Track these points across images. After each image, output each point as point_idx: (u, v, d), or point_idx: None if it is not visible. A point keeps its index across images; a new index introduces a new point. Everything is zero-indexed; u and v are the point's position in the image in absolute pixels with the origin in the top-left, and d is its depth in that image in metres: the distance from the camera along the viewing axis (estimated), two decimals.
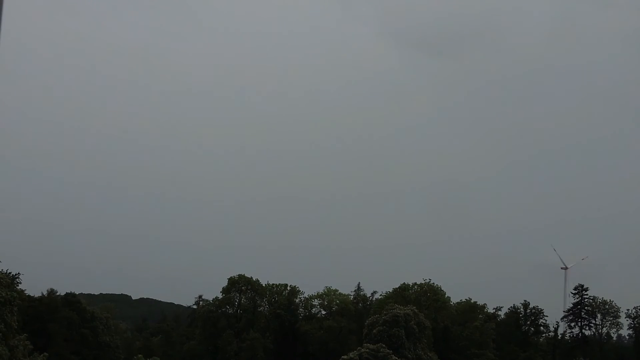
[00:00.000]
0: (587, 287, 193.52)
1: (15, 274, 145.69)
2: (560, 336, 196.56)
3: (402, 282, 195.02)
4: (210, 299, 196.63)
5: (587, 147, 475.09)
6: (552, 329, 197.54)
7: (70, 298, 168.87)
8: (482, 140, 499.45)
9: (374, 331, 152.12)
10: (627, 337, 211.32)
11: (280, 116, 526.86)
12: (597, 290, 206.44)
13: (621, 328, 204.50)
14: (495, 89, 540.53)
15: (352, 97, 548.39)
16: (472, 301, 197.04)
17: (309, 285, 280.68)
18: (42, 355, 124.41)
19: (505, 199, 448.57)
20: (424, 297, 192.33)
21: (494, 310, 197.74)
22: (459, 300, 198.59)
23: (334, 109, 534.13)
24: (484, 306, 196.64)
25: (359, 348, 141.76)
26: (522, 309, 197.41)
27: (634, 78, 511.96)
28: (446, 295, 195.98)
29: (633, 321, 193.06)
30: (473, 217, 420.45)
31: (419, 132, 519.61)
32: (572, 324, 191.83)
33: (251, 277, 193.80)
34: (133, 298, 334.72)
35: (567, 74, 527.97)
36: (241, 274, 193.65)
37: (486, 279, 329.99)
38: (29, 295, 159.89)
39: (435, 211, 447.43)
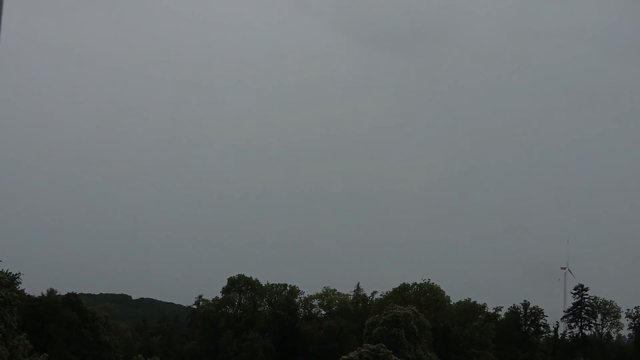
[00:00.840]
0: (587, 287, 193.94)
1: (16, 274, 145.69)
2: (560, 336, 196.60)
3: (402, 282, 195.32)
4: (210, 299, 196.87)
5: (585, 146, 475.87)
6: (552, 329, 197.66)
7: (72, 298, 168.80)
8: (471, 138, 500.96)
9: (374, 331, 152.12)
10: (627, 337, 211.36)
11: (251, 113, 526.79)
12: (597, 290, 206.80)
13: (621, 328, 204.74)
14: (461, 86, 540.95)
15: (328, 91, 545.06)
16: (472, 301, 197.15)
17: (309, 286, 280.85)
18: (42, 355, 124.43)
19: (505, 198, 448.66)
20: (424, 297, 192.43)
21: (494, 310, 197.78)
22: (459, 300, 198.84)
23: (312, 103, 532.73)
24: (484, 306, 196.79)
25: (359, 348, 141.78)
26: (522, 309, 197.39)
27: (600, 75, 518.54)
28: (446, 295, 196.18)
29: (633, 321, 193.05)
30: (472, 216, 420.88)
31: (403, 130, 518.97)
32: (572, 324, 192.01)
33: (251, 277, 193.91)
34: (133, 298, 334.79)
35: (531, 71, 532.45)
36: (241, 274, 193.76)
37: (486, 279, 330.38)
38: (29, 295, 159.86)
39: (435, 211, 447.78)
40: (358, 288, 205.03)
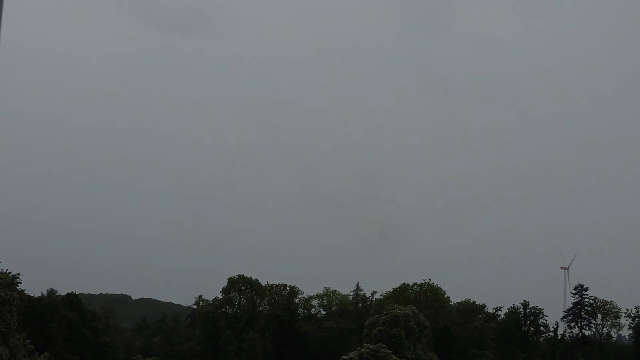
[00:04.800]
0: (587, 287, 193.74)
1: (16, 274, 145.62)
2: (560, 336, 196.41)
3: (402, 282, 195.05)
4: (210, 299, 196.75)
5: (586, 146, 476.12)
6: (552, 329, 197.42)
7: (72, 298, 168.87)
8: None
9: (374, 331, 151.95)
10: (627, 337, 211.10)
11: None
12: (597, 290, 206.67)
13: (621, 328, 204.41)
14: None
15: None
16: (472, 301, 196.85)
17: (309, 286, 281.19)
18: (42, 355, 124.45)
19: (505, 199, 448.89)
20: (424, 297, 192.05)
21: (494, 310, 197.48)
22: (459, 300, 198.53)
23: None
24: (484, 306, 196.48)
25: (359, 348, 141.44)
26: (522, 309, 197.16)
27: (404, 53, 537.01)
28: (446, 295, 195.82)
29: (633, 321, 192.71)
30: (473, 216, 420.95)
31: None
32: (572, 324, 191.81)
33: (251, 277, 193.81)
34: (133, 298, 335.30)
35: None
36: (241, 274, 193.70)
37: (486, 279, 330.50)
38: (28, 296, 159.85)
39: (435, 211, 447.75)
40: (358, 288, 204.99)
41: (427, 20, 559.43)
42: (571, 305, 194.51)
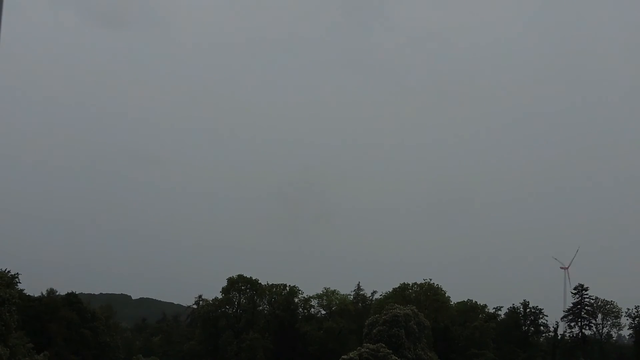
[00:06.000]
0: (587, 287, 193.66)
1: (15, 274, 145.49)
2: (560, 336, 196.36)
3: (402, 282, 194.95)
4: (210, 299, 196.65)
5: (588, 146, 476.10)
6: (552, 329, 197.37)
7: (72, 298, 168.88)
8: None
9: (374, 331, 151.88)
10: (627, 337, 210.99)
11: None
12: (597, 290, 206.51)
13: (622, 328, 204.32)
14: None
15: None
16: (472, 301, 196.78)
17: (309, 286, 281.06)
18: (42, 355, 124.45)
19: (506, 199, 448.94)
20: (424, 297, 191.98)
21: (494, 310, 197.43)
22: (459, 300, 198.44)
23: None
24: (484, 306, 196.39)
25: (359, 348, 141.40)
26: (522, 309, 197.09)
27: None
28: (446, 295, 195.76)
29: (633, 321, 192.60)
30: (473, 216, 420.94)
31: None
32: (572, 324, 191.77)
33: (251, 277, 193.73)
34: (133, 298, 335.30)
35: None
36: (240, 274, 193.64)
37: (486, 279, 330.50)
38: (28, 295, 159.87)
39: (435, 211, 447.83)
40: (358, 288, 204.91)
41: (365, 11, 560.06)
42: (571, 305, 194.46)
